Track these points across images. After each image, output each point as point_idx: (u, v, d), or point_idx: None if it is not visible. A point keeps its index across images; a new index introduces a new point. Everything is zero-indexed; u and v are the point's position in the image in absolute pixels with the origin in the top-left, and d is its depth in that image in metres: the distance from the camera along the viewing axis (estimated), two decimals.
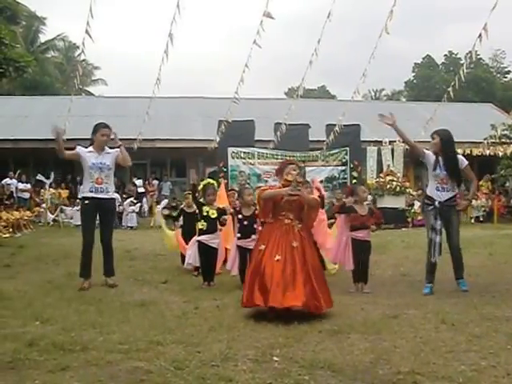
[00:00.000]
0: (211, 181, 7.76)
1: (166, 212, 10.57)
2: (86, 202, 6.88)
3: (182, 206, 9.21)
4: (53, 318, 5.23)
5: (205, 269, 7.33)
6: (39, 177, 20.87)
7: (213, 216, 7.28)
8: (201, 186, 7.58)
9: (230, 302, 5.87)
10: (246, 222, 7.17)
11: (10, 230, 15.67)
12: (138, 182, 22.37)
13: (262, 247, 5.49)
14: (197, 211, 7.58)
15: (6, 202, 17.20)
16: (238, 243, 7.20)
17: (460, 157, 6.82)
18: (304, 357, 4.06)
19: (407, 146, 7.48)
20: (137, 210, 20.00)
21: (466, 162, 6.76)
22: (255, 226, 7.12)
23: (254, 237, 6.89)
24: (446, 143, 6.63)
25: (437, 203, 6.55)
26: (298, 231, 5.55)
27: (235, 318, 5.26)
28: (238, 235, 7.21)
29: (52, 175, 20.57)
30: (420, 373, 3.71)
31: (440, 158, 6.61)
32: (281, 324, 4.95)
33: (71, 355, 4.08)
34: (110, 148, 7.16)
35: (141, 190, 21.99)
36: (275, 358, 4.04)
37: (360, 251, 6.85)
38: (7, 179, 20.53)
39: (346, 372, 3.76)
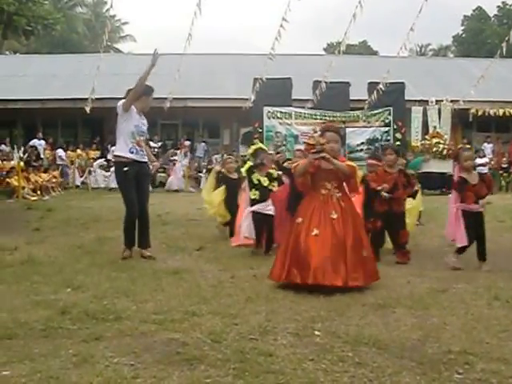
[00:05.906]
0: (262, 146, 7.48)
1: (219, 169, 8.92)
2: (126, 168, 6.38)
3: (222, 170, 8.36)
4: (84, 284, 5.14)
5: (261, 237, 7.00)
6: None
7: (265, 184, 6.94)
8: (251, 151, 7.28)
9: (268, 271, 5.61)
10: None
11: (38, 192, 15.67)
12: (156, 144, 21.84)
13: (300, 220, 5.22)
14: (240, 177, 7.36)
15: (34, 164, 17.15)
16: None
17: None
18: (347, 332, 3.86)
19: None
20: None
21: None
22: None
23: None
24: None
25: None
26: (338, 200, 5.22)
27: (273, 288, 5.07)
28: None
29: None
30: (472, 353, 3.48)
31: None
32: (322, 296, 4.73)
33: (104, 324, 3.98)
34: None
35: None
36: (317, 333, 3.86)
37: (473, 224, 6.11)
38: (35, 140, 20.31)
39: (393, 349, 3.55)
